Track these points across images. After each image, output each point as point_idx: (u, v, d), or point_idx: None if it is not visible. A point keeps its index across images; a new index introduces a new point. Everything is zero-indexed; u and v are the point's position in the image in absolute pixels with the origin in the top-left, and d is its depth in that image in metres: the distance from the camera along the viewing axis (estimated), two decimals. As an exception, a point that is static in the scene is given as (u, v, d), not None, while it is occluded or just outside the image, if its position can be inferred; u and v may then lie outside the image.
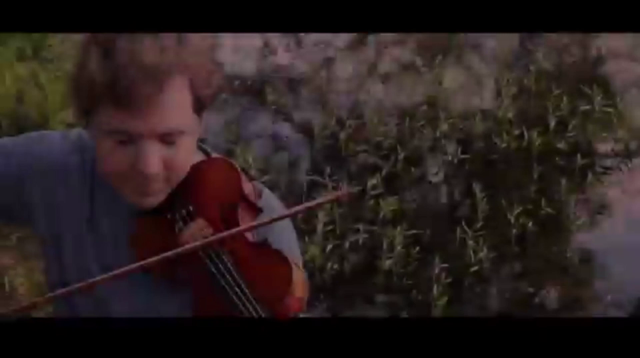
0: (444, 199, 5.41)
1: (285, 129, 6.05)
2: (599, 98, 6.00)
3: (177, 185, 1.77)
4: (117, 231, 1.85)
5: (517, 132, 5.73)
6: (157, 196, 1.75)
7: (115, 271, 1.66)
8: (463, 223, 4.89)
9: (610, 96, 6.22)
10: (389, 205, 4.99)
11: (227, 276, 1.73)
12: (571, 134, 5.84)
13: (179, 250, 1.69)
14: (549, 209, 5.12)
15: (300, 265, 1.83)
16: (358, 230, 4.85)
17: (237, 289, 1.72)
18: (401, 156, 5.52)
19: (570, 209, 5.23)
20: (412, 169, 5.54)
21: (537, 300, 4.57)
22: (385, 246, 4.68)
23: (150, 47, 1.61)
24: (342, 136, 5.76)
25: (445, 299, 4.37)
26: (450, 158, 5.61)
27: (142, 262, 1.66)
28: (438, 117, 5.92)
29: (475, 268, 4.65)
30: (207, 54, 1.71)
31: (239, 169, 1.82)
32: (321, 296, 4.53)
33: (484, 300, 4.59)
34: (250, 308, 1.70)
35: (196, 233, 1.76)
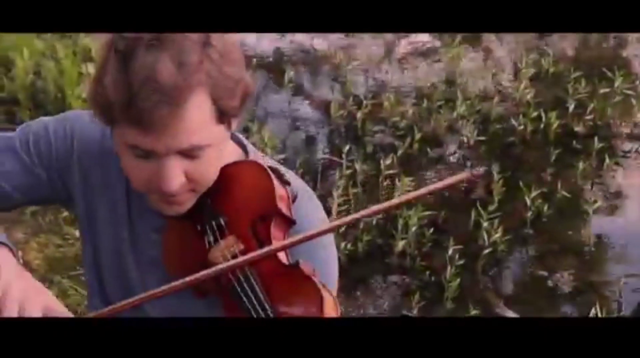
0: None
1: (302, 108, 6.04)
2: (619, 81, 5.96)
3: (207, 189, 1.69)
4: (151, 218, 1.80)
5: (534, 114, 5.70)
6: (183, 205, 1.68)
7: (142, 295, 1.61)
8: (478, 204, 4.87)
9: (630, 79, 6.19)
10: (404, 186, 4.98)
11: (254, 299, 1.63)
12: (589, 117, 5.81)
13: (207, 271, 1.59)
14: (565, 193, 5.09)
15: (335, 286, 1.76)
16: (373, 210, 4.83)
17: (262, 313, 1.61)
18: (417, 136, 5.50)
19: (586, 192, 5.21)
20: (429, 150, 5.52)
21: (550, 283, 4.56)
22: (399, 227, 4.67)
23: (167, 64, 1.50)
24: (359, 115, 5.76)
25: (458, 281, 4.36)
26: (466, 139, 5.59)
27: (168, 286, 1.58)
28: (456, 98, 5.91)
29: (489, 250, 4.63)
30: (231, 65, 1.58)
31: (272, 176, 1.69)
32: (334, 275, 4.52)
33: (498, 283, 4.58)
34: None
35: (226, 251, 1.67)
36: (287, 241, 1.64)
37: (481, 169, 1.59)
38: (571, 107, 5.87)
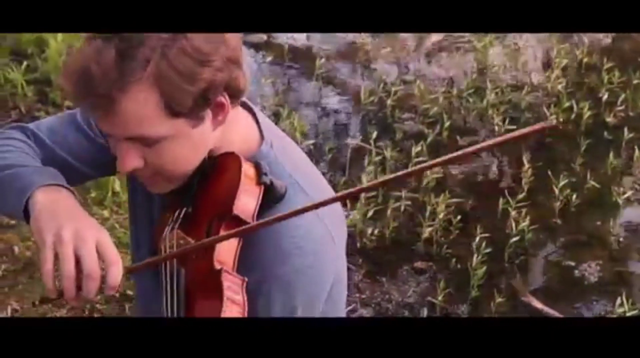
0: (488, 169, 5.39)
1: (332, 95, 6.06)
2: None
3: (192, 177, 1.67)
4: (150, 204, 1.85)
5: (566, 104, 5.67)
6: (156, 187, 1.70)
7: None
8: (506, 193, 4.86)
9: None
10: (432, 173, 4.98)
11: (173, 294, 1.64)
12: (621, 107, 5.78)
13: (147, 260, 1.67)
14: (594, 183, 5.07)
15: (299, 305, 1.66)
16: (400, 197, 4.84)
17: (174, 309, 1.63)
18: (447, 124, 5.49)
19: (615, 183, 5.18)
20: (458, 138, 5.51)
21: (577, 273, 4.54)
22: (427, 213, 4.67)
23: (106, 57, 1.49)
24: (389, 102, 5.76)
25: (484, 269, 4.35)
26: (496, 128, 5.58)
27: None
28: (486, 87, 5.89)
29: (516, 238, 4.62)
30: (193, 63, 1.53)
31: (242, 175, 1.62)
32: (360, 261, 4.54)
33: (524, 272, 4.57)
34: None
35: (172, 243, 1.67)
36: (210, 239, 1.58)
37: (554, 121, 1.57)
38: (604, 97, 5.84)
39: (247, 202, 1.60)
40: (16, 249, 4.27)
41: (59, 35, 5.78)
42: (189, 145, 1.62)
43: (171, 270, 1.65)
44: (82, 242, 1.52)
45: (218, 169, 1.66)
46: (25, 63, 5.66)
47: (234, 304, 1.55)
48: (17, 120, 5.12)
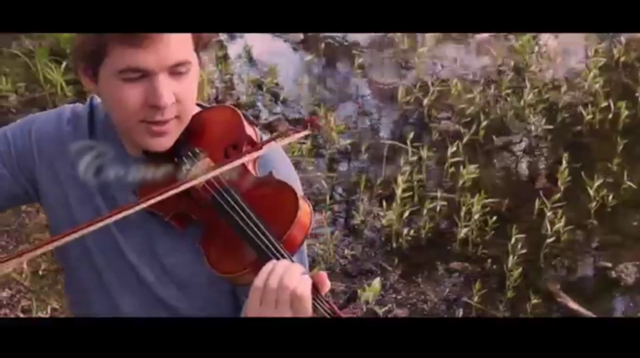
0: (524, 169, 5.39)
1: (369, 93, 6.07)
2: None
3: (181, 133, 1.87)
4: (123, 186, 1.92)
5: (604, 104, 5.65)
6: (169, 136, 1.85)
7: (126, 206, 1.77)
8: (542, 193, 4.86)
9: None
10: (468, 173, 4.98)
11: (237, 207, 1.78)
12: (659, 107, 5.75)
13: (187, 183, 1.77)
14: (630, 183, 5.05)
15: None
16: (436, 197, 4.85)
17: (247, 219, 1.76)
18: (484, 123, 5.49)
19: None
20: (494, 137, 5.51)
21: (614, 274, 4.53)
22: (462, 214, 4.68)
23: None
24: (426, 102, 5.76)
25: (519, 270, 4.35)
26: (534, 128, 5.57)
27: (153, 198, 1.75)
28: (524, 86, 5.88)
29: (552, 239, 4.61)
30: None
31: (240, 113, 1.90)
32: (396, 261, 4.56)
33: (560, 272, 4.57)
34: (261, 236, 1.74)
35: (203, 171, 1.82)
36: (255, 153, 1.84)
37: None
38: (640, 96, 5.83)
39: (252, 131, 1.91)
40: (56, 248, 4.30)
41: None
42: (196, 83, 1.86)
43: (218, 189, 1.80)
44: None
45: (210, 116, 1.94)
46: (64, 63, 5.73)
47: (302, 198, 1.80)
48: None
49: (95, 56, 1.79)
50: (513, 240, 4.50)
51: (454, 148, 5.18)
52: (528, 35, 6.31)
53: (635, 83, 5.98)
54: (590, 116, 5.59)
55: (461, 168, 5.03)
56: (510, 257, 4.41)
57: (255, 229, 1.74)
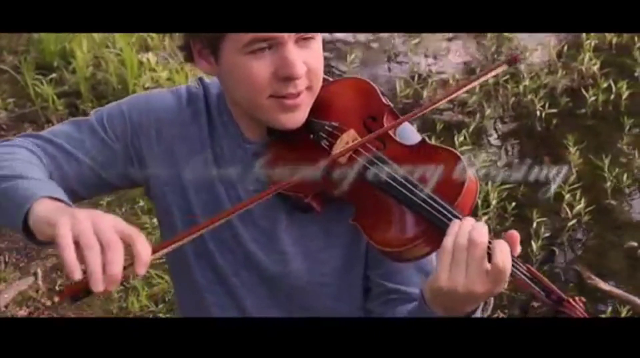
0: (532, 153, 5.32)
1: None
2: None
3: (311, 110, 1.75)
4: (244, 171, 1.83)
5: (604, 85, 5.60)
6: (302, 109, 1.73)
7: (269, 190, 1.67)
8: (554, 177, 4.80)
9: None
10: (480, 161, 4.91)
11: (399, 178, 1.65)
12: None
13: (336, 154, 1.69)
14: (641, 161, 5.01)
15: None
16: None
17: (413, 188, 1.62)
18: (487, 112, 5.42)
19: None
20: (499, 124, 5.45)
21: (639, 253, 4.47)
22: (479, 202, 4.59)
23: None
24: (425, 94, 5.69)
25: (543, 254, 4.28)
26: (538, 113, 5.50)
27: (301, 177, 1.66)
28: (520, 73, 5.83)
29: (574, 221, 4.54)
30: None
31: (371, 83, 1.83)
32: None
33: (586, 254, 4.49)
34: (433, 203, 1.60)
35: (350, 142, 1.72)
36: (406, 116, 1.78)
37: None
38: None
39: (387, 100, 1.83)
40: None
41: (85, 46, 5.70)
42: (322, 49, 1.76)
43: (370, 159, 1.69)
44: (99, 218, 1.47)
45: (339, 89, 1.84)
46: (52, 76, 5.59)
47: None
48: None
49: (213, 41, 1.70)
50: (535, 225, 4.43)
51: (461, 138, 5.10)
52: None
53: (635, 63, 5.95)
54: (593, 98, 5.53)
55: (471, 156, 4.95)
56: (534, 242, 4.33)
57: (425, 197, 1.61)
